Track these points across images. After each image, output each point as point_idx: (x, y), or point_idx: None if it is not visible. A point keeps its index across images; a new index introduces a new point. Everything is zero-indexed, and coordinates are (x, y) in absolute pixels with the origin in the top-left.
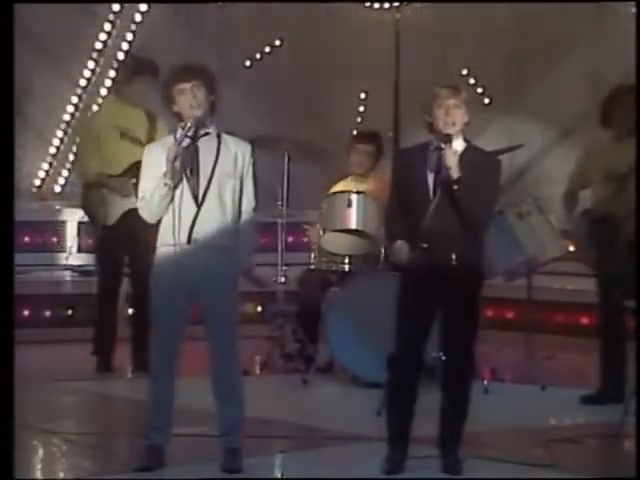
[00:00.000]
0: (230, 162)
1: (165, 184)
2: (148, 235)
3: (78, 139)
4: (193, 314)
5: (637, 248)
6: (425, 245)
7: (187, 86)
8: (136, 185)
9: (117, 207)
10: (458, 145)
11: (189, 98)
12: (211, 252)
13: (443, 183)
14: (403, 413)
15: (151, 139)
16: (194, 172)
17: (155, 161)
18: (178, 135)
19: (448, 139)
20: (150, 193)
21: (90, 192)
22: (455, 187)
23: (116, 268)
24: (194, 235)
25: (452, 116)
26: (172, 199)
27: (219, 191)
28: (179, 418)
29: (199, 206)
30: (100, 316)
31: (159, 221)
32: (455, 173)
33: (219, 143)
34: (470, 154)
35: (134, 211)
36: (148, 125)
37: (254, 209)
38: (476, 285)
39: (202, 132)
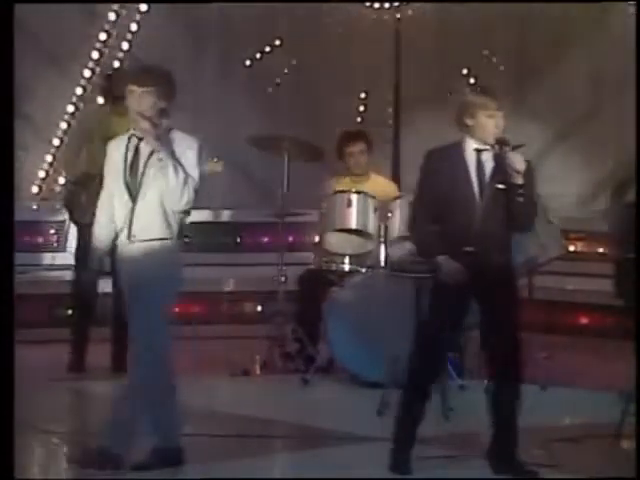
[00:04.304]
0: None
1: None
2: None
3: (70, 138)
4: (187, 314)
5: (637, 249)
6: (471, 248)
7: (137, 90)
8: None
9: (92, 205)
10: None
11: (135, 103)
12: (144, 248)
13: (491, 185)
14: (418, 413)
15: None
16: (133, 171)
17: (111, 159)
18: (124, 150)
19: (505, 142)
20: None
21: (71, 190)
22: (520, 191)
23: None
24: (132, 232)
25: (500, 127)
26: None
27: (147, 189)
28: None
29: (134, 204)
30: (77, 316)
31: None
32: (520, 178)
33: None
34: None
35: None
36: None
37: (182, 204)
38: (516, 280)
39: (143, 143)
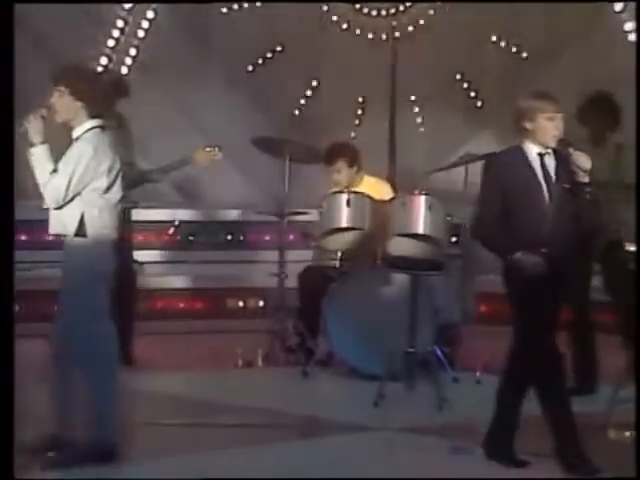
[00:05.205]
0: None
1: None
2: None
3: None
4: (192, 310)
5: (637, 248)
6: (544, 250)
7: (53, 90)
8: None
9: None
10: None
11: (53, 102)
12: (66, 243)
13: (558, 186)
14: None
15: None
16: None
17: None
18: None
19: (569, 143)
20: None
21: None
22: (588, 189)
23: None
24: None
25: (559, 129)
26: None
27: None
28: (175, 409)
29: None
30: None
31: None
32: (587, 177)
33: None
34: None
35: None
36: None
37: (49, 201)
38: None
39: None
